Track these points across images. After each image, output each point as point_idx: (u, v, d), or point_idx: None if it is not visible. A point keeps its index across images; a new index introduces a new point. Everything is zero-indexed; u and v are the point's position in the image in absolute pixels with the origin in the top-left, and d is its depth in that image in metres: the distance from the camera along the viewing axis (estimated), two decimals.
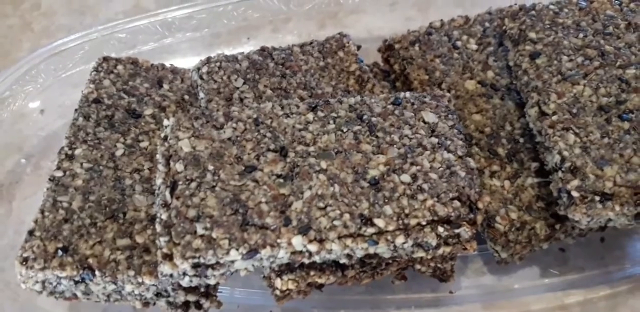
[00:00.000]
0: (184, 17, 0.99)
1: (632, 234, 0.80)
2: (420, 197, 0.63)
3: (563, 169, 0.68)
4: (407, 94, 0.73)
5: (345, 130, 0.68)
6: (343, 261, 0.63)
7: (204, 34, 1.01)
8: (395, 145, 0.67)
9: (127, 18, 1.02)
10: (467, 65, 0.85)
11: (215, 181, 0.63)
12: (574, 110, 0.72)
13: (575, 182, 0.66)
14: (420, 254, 0.64)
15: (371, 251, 0.62)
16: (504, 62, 0.85)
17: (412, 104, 0.71)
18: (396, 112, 0.70)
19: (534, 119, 0.74)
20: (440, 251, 0.64)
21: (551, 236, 0.73)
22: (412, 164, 0.66)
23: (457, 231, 0.62)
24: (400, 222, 0.61)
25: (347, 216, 0.61)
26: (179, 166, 0.64)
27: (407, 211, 0.62)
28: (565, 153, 0.68)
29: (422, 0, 1.07)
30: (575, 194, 0.66)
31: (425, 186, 0.64)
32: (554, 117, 0.72)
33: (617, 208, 0.64)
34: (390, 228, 0.61)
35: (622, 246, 0.79)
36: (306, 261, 0.61)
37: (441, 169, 0.65)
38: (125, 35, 0.97)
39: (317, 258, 0.61)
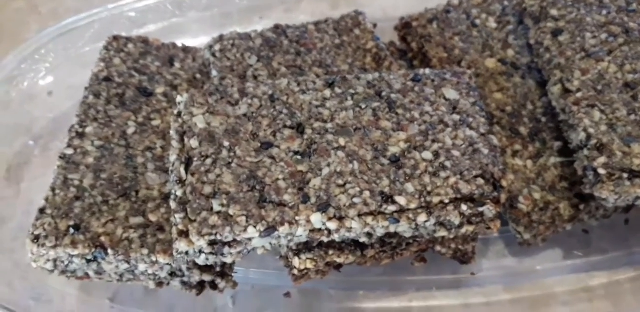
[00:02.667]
0: None
1: None
2: (443, 174, 0.61)
3: (589, 146, 0.66)
4: (427, 70, 0.71)
5: (363, 107, 0.67)
6: (363, 239, 0.61)
7: (214, 13, 0.99)
8: (415, 122, 0.65)
9: None
10: (487, 43, 0.82)
11: (231, 157, 0.62)
12: (599, 87, 0.70)
13: (602, 160, 0.64)
14: (442, 233, 0.62)
15: (392, 229, 0.60)
16: (524, 41, 0.83)
17: (433, 80, 0.69)
18: (416, 88, 0.69)
19: (557, 96, 0.72)
20: (463, 230, 0.62)
21: (575, 217, 0.71)
22: (433, 141, 0.64)
23: (480, 209, 0.61)
24: (423, 200, 0.59)
25: (367, 194, 0.59)
26: (194, 142, 0.63)
27: (429, 189, 0.60)
28: (591, 130, 0.66)
29: None
30: (602, 171, 0.64)
31: (447, 164, 0.62)
32: (579, 94, 0.70)
33: None
34: (412, 206, 0.59)
35: None
36: (325, 239, 0.59)
37: (464, 146, 0.64)
38: (135, 14, 0.95)
39: (336, 237, 0.59)
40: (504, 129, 0.75)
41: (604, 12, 0.77)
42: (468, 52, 0.81)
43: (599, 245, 0.77)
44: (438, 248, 0.70)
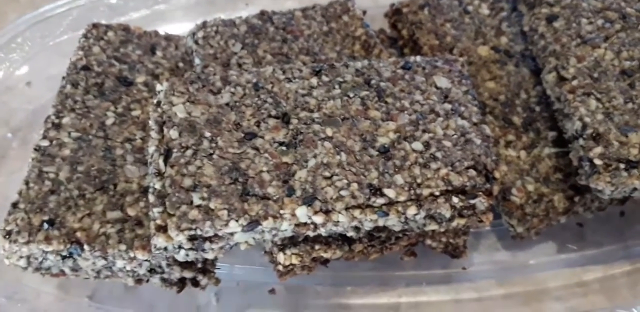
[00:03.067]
0: None
1: None
2: (434, 165, 0.59)
3: (584, 136, 0.63)
4: (418, 58, 0.68)
5: (352, 95, 0.64)
6: (350, 234, 0.59)
7: (199, 0, 0.95)
8: (406, 112, 0.63)
9: None
10: (480, 30, 0.80)
11: (213, 148, 0.59)
12: (595, 75, 0.68)
13: (598, 150, 0.62)
14: (433, 227, 0.59)
15: (381, 223, 0.58)
16: (517, 28, 0.80)
17: (423, 68, 0.67)
18: (406, 76, 0.66)
19: (552, 84, 0.69)
20: (454, 224, 0.59)
21: (570, 209, 0.69)
22: (424, 131, 0.61)
23: (472, 201, 0.58)
24: (412, 192, 0.57)
25: (355, 186, 0.57)
26: (174, 133, 0.60)
27: (419, 181, 0.58)
28: (587, 119, 0.64)
29: None
30: (598, 161, 0.61)
31: (438, 154, 0.60)
32: (574, 82, 0.67)
33: None
34: (402, 199, 0.57)
35: None
36: (311, 233, 0.57)
37: (455, 136, 0.61)
38: (116, 2, 0.92)
39: (322, 231, 0.57)
40: (497, 118, 0.73)
41: None
42: (460, 39, 0.79)
43: (594, 238, 0.74)
44: (428, 242, 0.68)
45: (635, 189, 0.62)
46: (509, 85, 0.75)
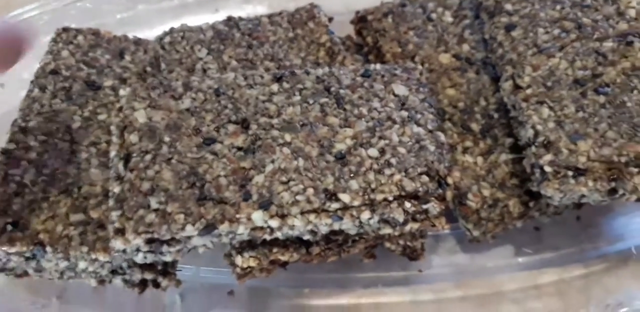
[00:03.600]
0: None
1: (608, 212, 0.78)
2: (388, 171, 0.60)
3: (536, 143, 0.65)
4: (378, 66, 0.70)
5: (311, 102, 0.66)
6: (307, 237, 0.60)
7: (171, 4, 0.97)
8: (363, 119, 0.64)
9: None
10: (442, 38, 0.82)
11: (172, 153, 0.60)
12: (549, 84, 0.70)
13: (548, 157, 0.64)
14: (387, 230, 0.61)
15: (336, 227, 0.59)
16: (480, 35, 0.82)
17: (382, 76, 0.69)
18: (365, 84, 0.68)
19: (508, 92, 0.71)
20: (407, 228, 0.61)
21: (525, 214, 0.71)
22: (380, 137, 0.63)
23: (425, 206, 0.60)
24: (366, 197, 0.59)
25: (310, 191, 0.59)
26: (134, 138, 0.61)
27: (373, 186, 0.59)
28: (539, 127, 0.66)
29: None
30: (548, 169, 0.63)
31: (393, 161, 0.61)
32: (528, 91, 0.69)
33: (590, 184, 0.62)
34: (356, 203, 0.59)
35: (598, 225, 0.77)
36: (268, 237, 0.59)
37: (410, 143, 0.63)
38: (87, 5, 0.93)
39: (279, 234, 0.59)
40: (455, 125, 0.74)
41: (558, 6, 0.77)
42: (422, 47, 0.80)
43: (550, 242, 0.76)
44: (387, 244, 0.69)
45: (583, 195, 0.63)
46: (469, 92, 0.77)
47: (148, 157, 0.60)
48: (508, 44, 0.74)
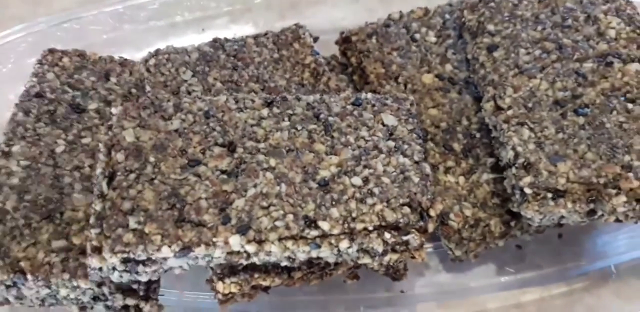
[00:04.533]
0: (135, 8, 0.95)
1: (590, 230, 0.78)
2: (370, 201, 0.61)
3: (517, 165, 0.66)
4: (369, 95, 0.70)
5: (299, 128, 0.66)
6: (284, 263, 0.61)
7: (158, 24, 0.97)
8: (350, 147, 0.65)
9: (80, 8, 0.99)
10: (425, 58, 0.82)
11: (155, 173, 0.61)
12: (530, 105, 0.70)
13: (528, 179, 0.64)
14: (366, 260, 0.61)
15: (314, 254, 0.59)
16: (462, 55, 0.82)
17: (373, 105, 0.69)
18: (355, 112, 0.68)
19: (489, 113, 0.72)
20: (387, 258, 0.61)
21: (506, 233, 0.71)
22: (365, 166, 0.63)
23: (405, 238, 0.60)
24: (346, 225, 0.59)
25: (290, 217, 0.59)
26: (120, 156, 0.62)
27: (354, 215, 0.60)
28: (519, 149, 0.67)
29: None
30: (527, 190, 0.64)
31: (375, 190, 0.61)
32: (509, 112, 0.70)
33: (569, 205, 0.62)
34: (335, 232, 0.59)
35: (579, 243, 0.78)
36: (244, 262, 0.59)
37: (395, 173, 0.63)
38: (74, 26, 0.93)
39: (255, 260, 0.59)
40: (438, 145, 0.75)
41: (540, 27, 0.78)
42: (405, 67, 0.81)
43: (533, 260, 0.77)
44: (370, 265, 0.70)
45: (562, 216, 0.64)
46: (451, 112, 0.77)
47: (132, 176, 0.60)
48: (490, 64, 0.75)
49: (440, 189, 0.72)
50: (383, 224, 0.59)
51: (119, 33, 0.96)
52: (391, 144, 0.66)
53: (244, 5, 1.00)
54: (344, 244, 0.58)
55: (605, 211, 0.63)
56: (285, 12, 1.03)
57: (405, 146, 0.65)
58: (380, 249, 0.59)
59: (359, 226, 0.59)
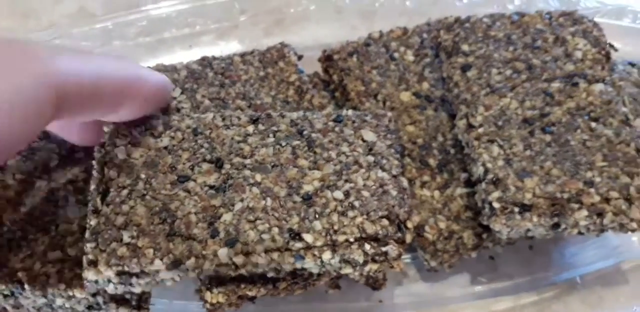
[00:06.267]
0: (125, 24, 0.98)
1: (558, 241, 0.83)
2: (351, 214, 0.63)
3: (486, 180, 0.70)
4: (350, 112, 0.73)
5: (284, 144, 0.69)
6: (270, 274, 0.64)
7: (147, 40, 1.01)
8: (332, 162, 0.68)
9: (71, 23, 1.02)
10: (403, 76, 0.86)
11: (147, 189, 0.64)
12: (500, 123, 0.75)
13: (497, 194, 0.68)
14: (347, 270, 0.64)
15: (298, 265, 0.62)
16: (439, 74, 0.87)
17: (353, 121, 0.72)
18: (336, 129, 0.71)
19: (462, 131, 0.76)
20: (367, 268, 0.64)
21: (478, 245, 0.75)
22: (346, 181, 0.66)
23: (384, 249, 0.63)
24: (329, 238, 0.62)
25: (275, 230, 0.62)
26: (113, 173, 0.65)
27: (336, 227, 0.62)
28: (489, 165, 0.71)
29: (367, 8, 1.09)
30: (496, 205, 0.68)
31: (356, 203, 0.64)
32: (480, 130, 0.74)
33: (535, 219, 0.67)
34: (319, 244, 0.62)
35: (549, 253, 0.82)
36: (232, 273, 0.62)
37: (374, 187, 0.66)
38: (66, 42, 0.96)
39: (243, 271, 0.62)
40: (414, 160, 0.79)
41: (511, 48, 0.82)
42: (384, 85, 0.85)
43: (505, 270, 0.81)
44: (351, 275, 0.73)
45: (529, 230, 0.68)
46: (427, 129, 0.82)
47: (124, 192, 0.63)
48: (463, 84, 0.79)
49: (417, 202, 0.76)
50: (363, 236, 0.62)
51: (109, 48, 0.99)
52: (371, 158, 0.68)
53: (231, 22, 1.04)
54: (326, 256, 0.61)
55: (569, 224, 0.67)
56: (270, 28, 1.07)
57: (384, 161, 0.68)
58: (361, 259, 0.62)
59: (341, 238, 0.62)
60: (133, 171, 0.65)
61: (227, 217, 0.62)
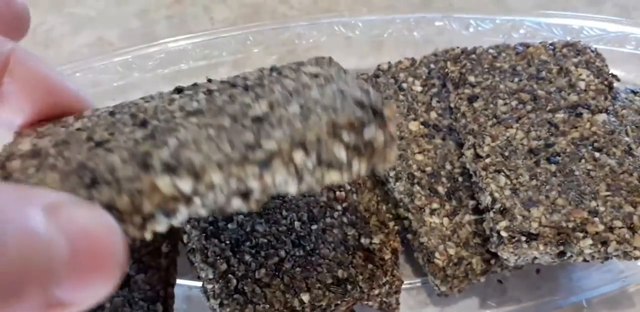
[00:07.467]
0: (143, 57, 1.03)
1: (565, 265, 0.85)
2: (314, 117, 0.50)
3: (494, 209, 0.73)
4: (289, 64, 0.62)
5: (217, 95, 0.57)
6: (236, 204, 0.49)
7: (164, 72, 1.04)
8: (277, 91, 0.56)
9: (90, 53, 1.07)
10: (412, 106, 0.89)
11: (58, 160, 0.51)
12: (506, 153, 0.77)
13: (504, 223, 0.71)
14: (333, 175, 0.50)
15: (267, 179, 0.48)
16: (446, 103, 0.90)
17: (291, 68, 0.62)
18: (274, 74, 0.60)
19: (469, 160, 0.79)
20: (355, 168, 0.50)
21: (487, 270, 0.78)
22: (299, 98, 0.54)
23: (366, 133, 0.49)
24: (295, 139, 0.48)
25: (227, 147, 0.48)
26: (15, 163, 0.53)
27: (301, 130, 0.49)
28: (496, 194, 0.74)
29: (376, 39, 1.12)
30: (504, 234, 0.71)
31: (318, 109, 0.51)
32: (487, 160, 0.77)
33: (541, 247, 0.69)
34: (285, 146, 0.48)
35: (555, 277, 0.84)
36: (185, 211, 0.48)
37: (333, 96, 0.53)
38: (88, 76, 1.00)
39: (198, 204, 0.48)
40: (424, 188, 0.82)
41: (517, 79, 0.85)
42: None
43: (513, 294, 0.83)
44: (365, 302, 0.76)
45: (535, 257, 0.71)
46: (436, 157, 0.84)
47: (31, 170, 0.51)
48: (470, 114, 0.82)
49: (427, 229, 0.79)
50: (337, 129, 0.49)
51: (128, 80, 1.03)
52: (321, 80, 0.56)
53: (245, 54, 1.08)
54: (298, 156, 0.48)
55: (574, 252, 0.69)
56: (283, 58, 1.11)
57: (337, 78, 0.56)
58: (342, 153, 0.49)
59: (310, 136, 0.48)
60: (41, 153, 0.52)
61: (161, 153, 0.48)
